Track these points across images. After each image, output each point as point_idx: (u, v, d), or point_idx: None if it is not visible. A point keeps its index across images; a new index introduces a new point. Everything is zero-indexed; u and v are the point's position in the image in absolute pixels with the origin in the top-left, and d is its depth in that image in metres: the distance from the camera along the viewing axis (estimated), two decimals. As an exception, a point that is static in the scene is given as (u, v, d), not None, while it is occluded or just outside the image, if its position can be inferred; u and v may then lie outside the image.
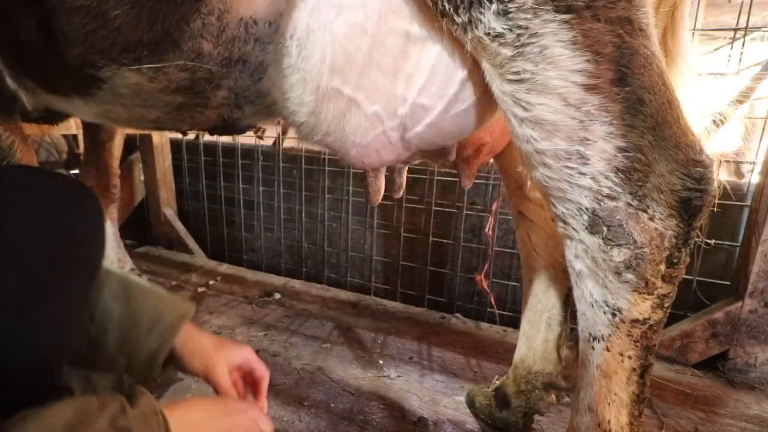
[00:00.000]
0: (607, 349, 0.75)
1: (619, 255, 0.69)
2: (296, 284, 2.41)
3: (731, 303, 1.65)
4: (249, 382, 0.96)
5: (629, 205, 0.67)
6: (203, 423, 0.71)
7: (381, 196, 1.24)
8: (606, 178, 0.67)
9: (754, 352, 1.62)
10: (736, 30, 1.62)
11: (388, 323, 2.00)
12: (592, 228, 0.69)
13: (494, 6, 0.64)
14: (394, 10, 0.76)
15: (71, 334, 0.74)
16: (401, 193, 1.37)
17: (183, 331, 0.89)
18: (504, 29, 0.65)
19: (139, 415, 0.59)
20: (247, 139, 2.65)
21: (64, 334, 0.70)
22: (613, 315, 0.73)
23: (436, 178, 2.21)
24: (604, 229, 0.68)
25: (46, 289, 0.62)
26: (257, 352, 1.65)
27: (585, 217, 0.70)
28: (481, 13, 0.65)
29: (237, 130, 1.04)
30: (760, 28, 1.72)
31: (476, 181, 2.13)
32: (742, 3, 1.60)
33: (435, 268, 2.29)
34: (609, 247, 0.69)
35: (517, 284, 2.11)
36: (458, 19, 0.69)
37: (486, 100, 0.82)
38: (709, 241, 1.71)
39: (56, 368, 0.71)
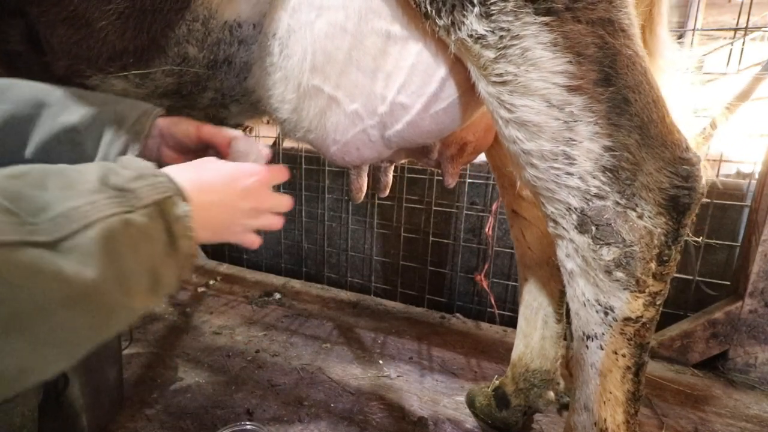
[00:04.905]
0: (601, 348, 0.75)
1: (608, 254, 0.69)
2: (296, 284, 2.42)
3: (731, 303, 1.64)
4: None
5: (617, 203, 0.67)
6: (217, 186, 0.62)
7: (363, 194, 1.25)
8: (593, 178, 0.67)
9: (754, 352, 1.62)
10: (736, 30, 1.62)
11: (388, 323, 2.01)
12: (582, 227, 0.70)
13: (476, 9, 0.65)
14: (374, 11, 0.77)
15: None
16: (387, 192, 1.37)
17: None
18: (486, 31, 0.65)
19: (136, 173, 0.51)
20: (248, 140, 2.66)
21: None
22: (606, 314, 0.73)
23: (435, 178, 2.21)
24: (593, 228, 0.69)
25: None
26: (257, 352, 1.68)
27: (574, 216, 0.70)
28: (463, 15, 0.66)
29: (225, 129, 1.05)
30: (760, 28, 1.72)
31: (476, 181, 2.14)
32: (742, 3, 1.60)
33: (435, 268, 2.29)
34: (598, 246, 0.69)
35: (517, 284, 2.11)
36: (440, 21, 0.69)
37: (467, 99, 0.82)
38: (709, 241, 1.71)
39: None
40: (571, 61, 0.63)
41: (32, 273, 0.38)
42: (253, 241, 0.71)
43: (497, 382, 1.35)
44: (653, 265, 0.69)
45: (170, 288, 0.54)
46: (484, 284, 2.04)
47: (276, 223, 0.74)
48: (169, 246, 0.51)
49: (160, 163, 0.74)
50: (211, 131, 0.77)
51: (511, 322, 2.03)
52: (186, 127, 0.77)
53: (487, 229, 2.08)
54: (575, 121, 0.65)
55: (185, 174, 0.58)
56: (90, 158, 0.68)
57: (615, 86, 0.63)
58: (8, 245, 0.37)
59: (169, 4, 0.73)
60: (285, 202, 0.75)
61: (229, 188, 0.64)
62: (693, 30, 1.72)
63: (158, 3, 0.72)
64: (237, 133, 0.79)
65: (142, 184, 0.50)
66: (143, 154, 0.72)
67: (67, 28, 0.73)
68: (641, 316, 0.72)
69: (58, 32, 0.73)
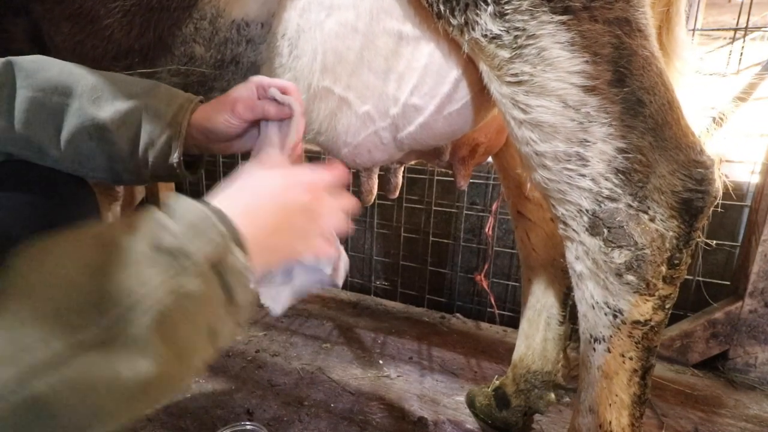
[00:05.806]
0: (608, 351, 0.75)
1: (619, 256, 0.69)
2: (296, 284, 2.41)
3: (731, 303, 1.65)
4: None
5: (630, 206, 0.67)
6: (272, 208, 0.55)
7: (374, 196, 1.23)
8: (606, 180, 0.66)
9: (754, 352, 1.62)
10: (736, 30, 1.62)
11: (388, 323, 2.00)
12: (593, 230, 0.69)
13: (490, 8, 0.64)
14: (386, 10, 0.76)
15: None
16: (396, 193, 1.36)
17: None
18: (501, 31, 0.65)
19: (188, 227, 0.45)
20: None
21: None
22: (614, 316, 0.73)
23: (436, 178, 2.20)
24: (605, 230, 0.68)
25: None
26: (257, 352, 1.67)
27: (585, 218, 0.70)
28: (477, 15, 0.65)
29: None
30: (760, 28, 1.72)
31: (476, 181, 2.13)
32: (742, 3, 1.59)
33: (435, 268, 2.28)
34: (610, 249, 0.69)
35: (517, 284, 2.11)
36: (454, 21, 0.69)
37: (480, 101, 0.81)
38: (709, 241, 1.71)
39: None
40: (588, 61, 0.62)
41: (86, 389, 0.36)
42: (324, 248, 0.63)
43: (497, 382, 1.35)
44: (664, 268, 0.69)
45: (228, 340, 0.50)
46: (484, 284, 2.04)
47: (344, 225, 0.65)
48: (226, 302, 0.48)
49: (200, 154, 0.72)
50: (253, 111, 0.68)
51: (512, 322, 2.03)
52: (225, 118, 0.69)
53: (487, 229, 2.07)
54: (590, 122, 0.64)
55: (239, 202, 0.53)
56: (123, 155, 0.65)
57: (629, 87, 0.63)
58: (58, 360, 0.35)
59: (177, 2, 0.72)
60: (350, 203, 0.66)
61: (286, 208, 0.58)
62: (693, 30, 1.72)
63: (165, 0, 0.71)
64: (274, 91, 0.68)
65: (195, 240, 0.45)
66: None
67: (72, 26, 0.72)
68: (650, 320, 0.72)
69: (62, 30, 0.72)
